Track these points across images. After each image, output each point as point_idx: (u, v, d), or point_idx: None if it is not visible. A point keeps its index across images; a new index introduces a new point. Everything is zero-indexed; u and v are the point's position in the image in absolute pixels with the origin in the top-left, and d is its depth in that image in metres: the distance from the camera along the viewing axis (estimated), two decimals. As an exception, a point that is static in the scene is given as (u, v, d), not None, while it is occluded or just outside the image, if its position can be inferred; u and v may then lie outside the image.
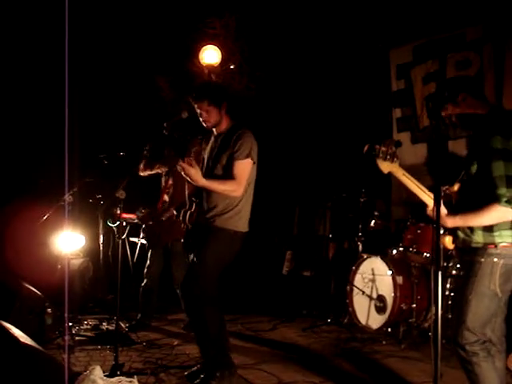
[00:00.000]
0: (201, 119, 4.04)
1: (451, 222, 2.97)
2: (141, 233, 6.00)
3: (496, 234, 2.88)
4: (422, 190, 3.04)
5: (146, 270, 5.59)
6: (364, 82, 7.15)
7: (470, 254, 2.97)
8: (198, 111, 4.02)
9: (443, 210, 2.91)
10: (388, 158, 2.93)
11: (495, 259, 2.87)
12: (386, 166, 2.95)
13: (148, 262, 5.60)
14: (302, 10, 7.26)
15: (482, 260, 2.89)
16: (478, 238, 2.93)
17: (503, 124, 2.91)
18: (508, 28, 5.88)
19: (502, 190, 2.77)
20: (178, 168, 3.80)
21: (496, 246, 2.87)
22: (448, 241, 3.10)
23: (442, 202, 2.82)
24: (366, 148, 2.95)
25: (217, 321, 3.95)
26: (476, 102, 3.06)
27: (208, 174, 3.99)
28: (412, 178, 3.05)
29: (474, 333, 2.88)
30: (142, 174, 5.56)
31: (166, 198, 5.48)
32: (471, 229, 2.95)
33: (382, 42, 7.04)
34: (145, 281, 5.57)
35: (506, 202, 2.77)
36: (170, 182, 5.45)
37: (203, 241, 3.92)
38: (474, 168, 2.95)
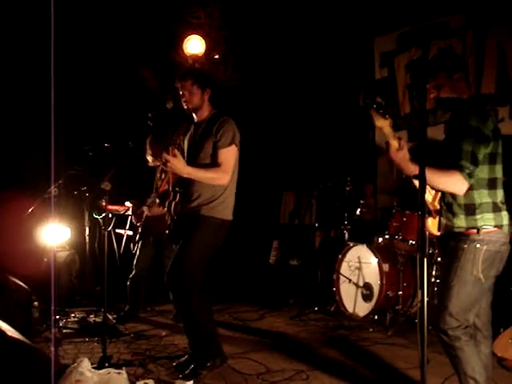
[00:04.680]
0: (182, 101, 4.03)
1: (414, 168, 2.79)
2: (127, 224, 5.97)
3: (478, 216, 2.91)
4: None
5: (135, 261, 5.57)
6: (348, 70, 7.15)
7: (453, 240, 2.98)
8: (181, 93, 4.01)
9: (407, 155, 2.84)
10: (381, 111, 2.83)
11: (478, 245, 2.89)
12: (380, 120, 2.82)
13: (138, 252, 5.59)
14: (286, -1, 7.26)
15: (465, 246, 2.91)
16: (461, 222, 2.95)
17: (480, 107, 2.98)
18: (489, 16, 5.96)
19: (466, 164, 2.80)
20: (163, 160, 3.79)
21: (478, 232, 2.89)
22: (432, 226, 3.12)
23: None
24: (362, 96, 2.84)
25: (205, 310, 3.96)
26: (465, 88, 3.10)
27: (190, 163, 3.97)
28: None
29: (457, 318, 2.89)
30: (151, 165, 5.51)
31: (166, 186, 5.45)
32: (453, 213, 2.97)
33: (366, 30, 7.05)
34: (134, 272, 5.55)
35: (468, 174, 2.80)
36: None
37: (189, 230, 3.91)
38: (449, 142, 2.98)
